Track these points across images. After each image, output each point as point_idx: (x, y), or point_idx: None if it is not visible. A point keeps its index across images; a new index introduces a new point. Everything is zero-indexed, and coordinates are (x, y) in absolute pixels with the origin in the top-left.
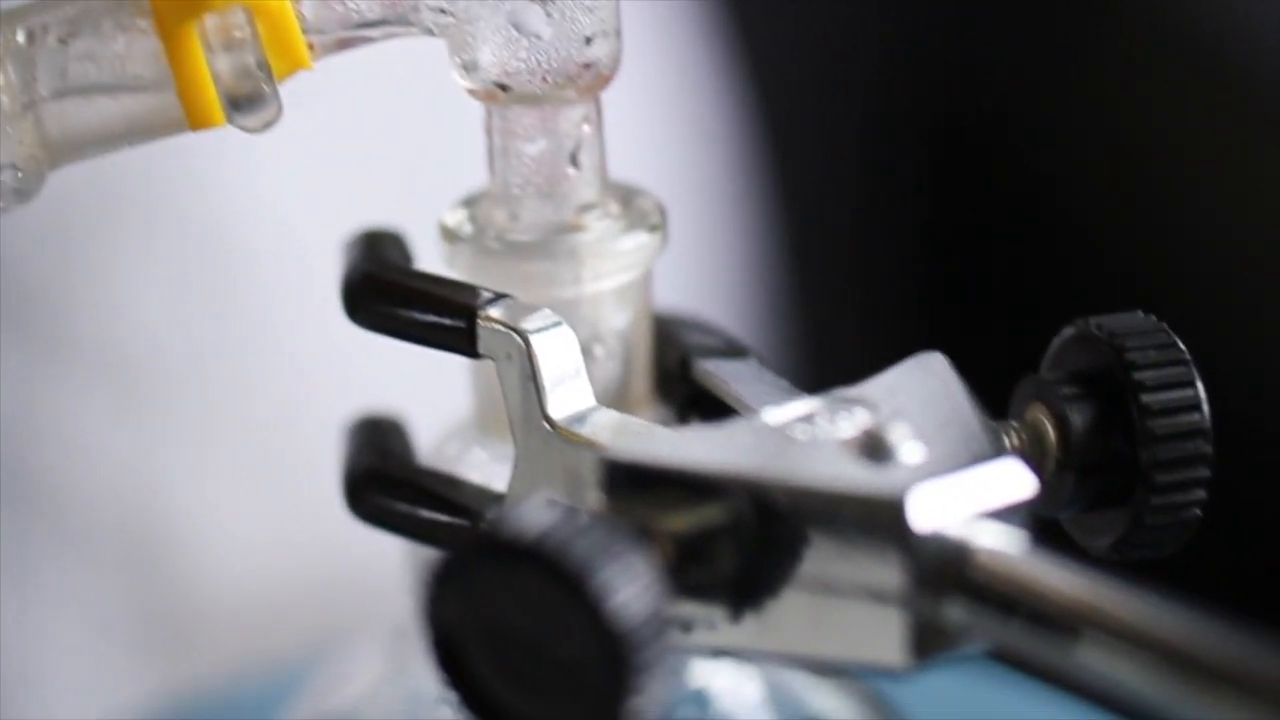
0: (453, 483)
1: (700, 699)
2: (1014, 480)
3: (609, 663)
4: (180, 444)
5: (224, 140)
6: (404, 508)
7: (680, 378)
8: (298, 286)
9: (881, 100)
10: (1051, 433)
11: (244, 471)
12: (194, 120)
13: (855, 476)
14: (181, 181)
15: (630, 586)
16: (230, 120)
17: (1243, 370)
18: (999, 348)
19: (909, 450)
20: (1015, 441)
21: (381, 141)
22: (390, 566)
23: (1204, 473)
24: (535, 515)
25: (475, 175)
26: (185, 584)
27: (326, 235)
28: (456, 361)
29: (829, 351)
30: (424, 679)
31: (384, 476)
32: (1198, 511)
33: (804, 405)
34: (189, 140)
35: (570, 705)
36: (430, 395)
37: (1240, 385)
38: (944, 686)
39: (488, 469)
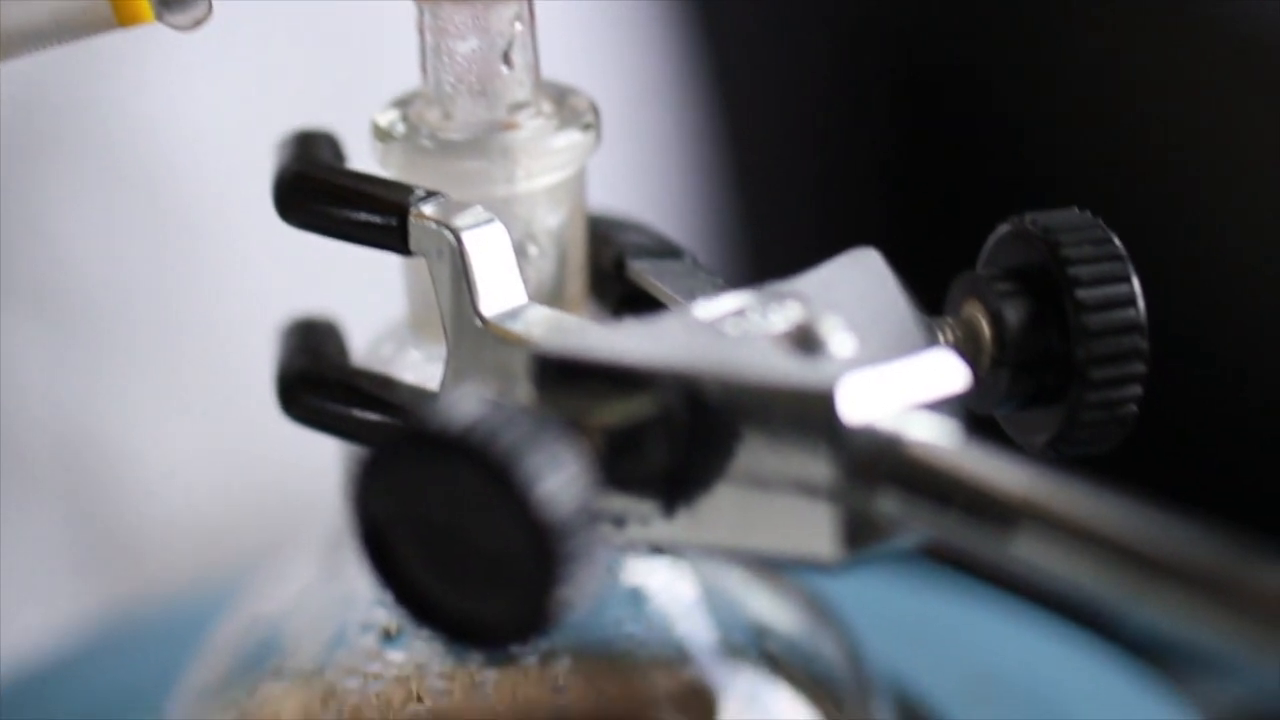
0: (386, 382)
1: (635, 598)
2: (946, 371)
3: (536, 552)
4: (114, 369)
5: (149, 63)
6: (337, 408)
7: (615, 277)
8: (228, 209)
9: None
10: (986, 329)
11: (178, 394)
12: (121, 16)
13: (786, 368)
14: (109, 111)
15: (557, 476)
16: (159, 17)
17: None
18: (943, 251)
19: (840, 343)
20: (950, 338)
21: (312, 48)
22: (330, 483)
23: (1139, 368)
24: (462, 406)
25: (408, 79)
26: (123, 507)
27: (257, 158)
28: (391, 283)
29: (769, 255)
30: (358, 582)
31: (317, 377)
32: (1134, 408)
33: (735, 300)
34: (116, 68)
35: (499, 597)
36: (365, 320)
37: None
38: (887, 596)
39: (423, 369)
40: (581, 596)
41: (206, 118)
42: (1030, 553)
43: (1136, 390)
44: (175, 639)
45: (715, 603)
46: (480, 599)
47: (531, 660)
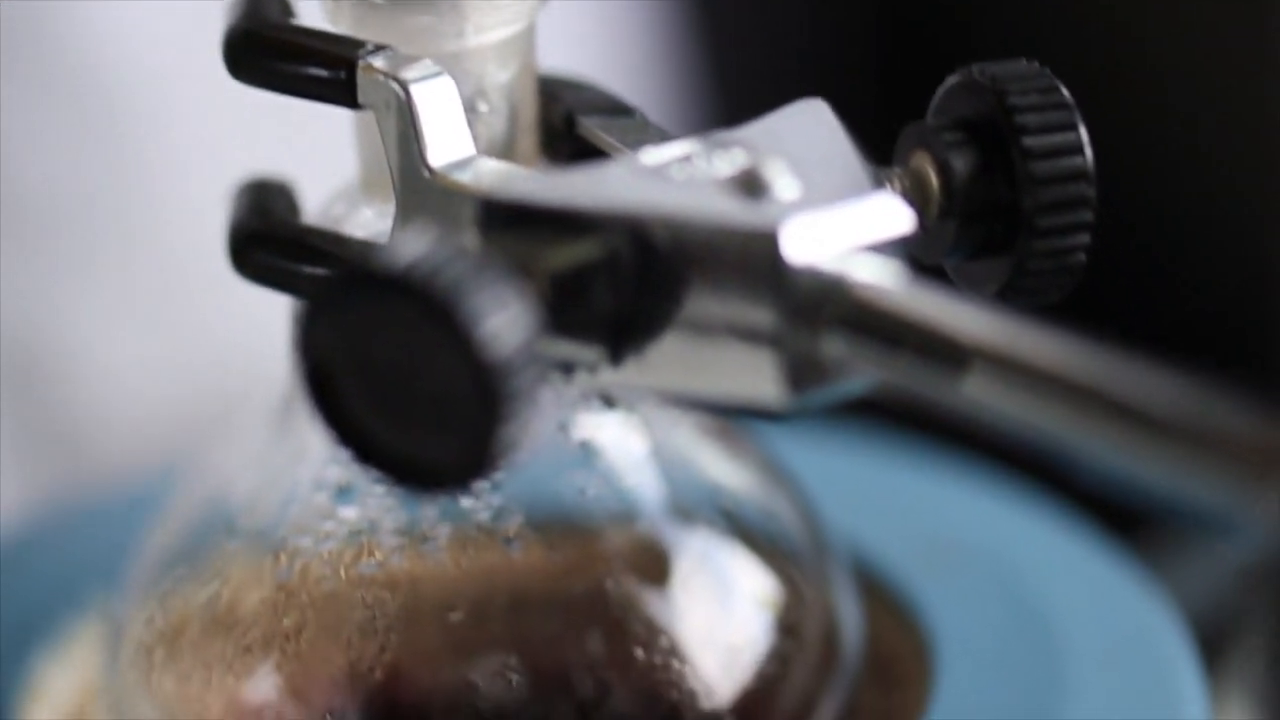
0: (337, 239)
1: (586, 454)
2: (891, 215)
3: (479, 392)
4: (67, 274)
5: None
6: (288, 264)
7: (565, 135)
8: (173, 112)
9: None
10: (934, 179)
11: (127, 297)
12: None
13: (730, 211)
14: (53, 17)
15: (500, 314)
16: None
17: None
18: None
19: (785, 187)
20: (898, 188)
21: None
22: (271, 371)
23: (1087, 216)
24: (407, 247)
25: None
26: (75, 410)
27: (205, 62)
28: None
29: (726, 114)
30: (310, 440)
31: (268, 234)
32: (1081, 257)
33: (681, 147)
34: None
35: (442, 437)
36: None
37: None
38: (844, 464)
39: (374, 226)
40: (524, 437)
41: (154, 22)
42: (981, 393)
43: (1084, 239)
44: (128, 518)
45: (668, 462)
46: (424, 440)
47: (483, 516)
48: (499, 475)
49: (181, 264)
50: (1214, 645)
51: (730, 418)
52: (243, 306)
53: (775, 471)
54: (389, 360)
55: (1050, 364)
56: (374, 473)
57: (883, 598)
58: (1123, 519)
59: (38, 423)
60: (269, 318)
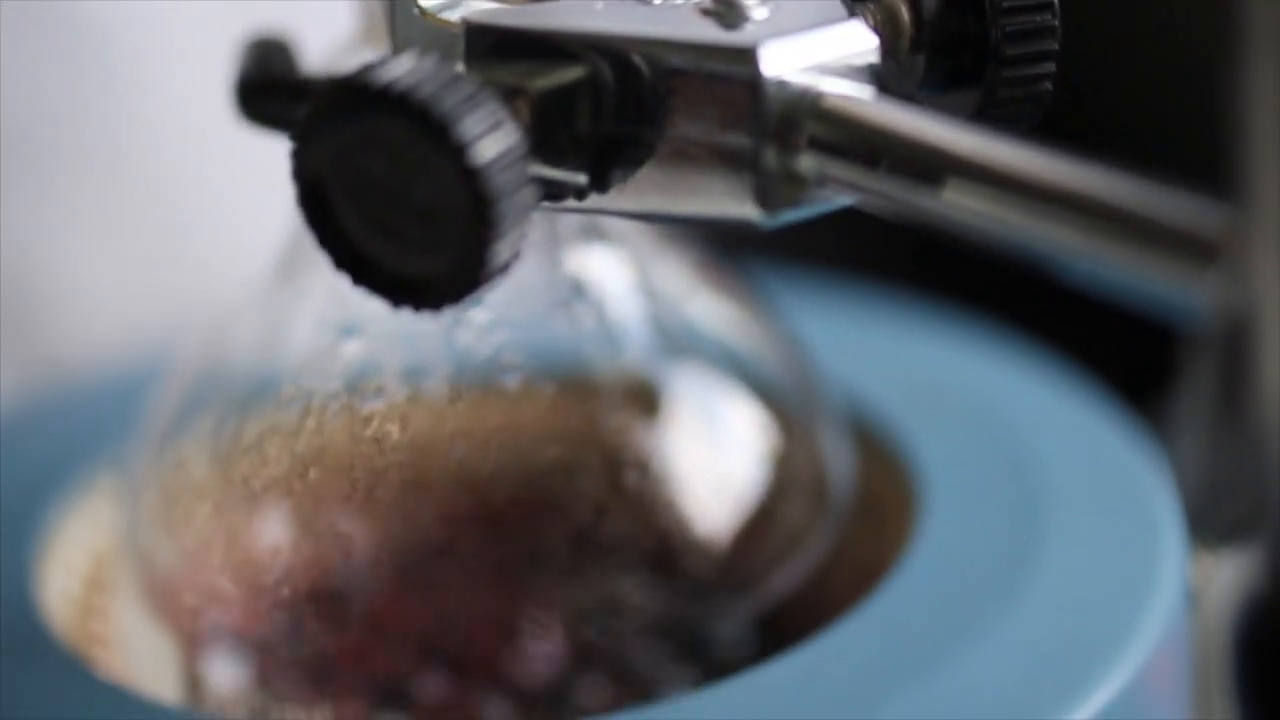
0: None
1: (576, 287)
2: (862, 40)
3: (470, 206)
4: (51, 199)
5: None
6: (291, 108)
7: None
8: (165, 36)
9: None
10: (905, 12)
11: (115, 223)
12: None
13: (708, 33)
14: None
15: (492, 132)
16: None
17: None
18: None
19: (761, 14)
20: (870, 22)
21: None
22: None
23: (1052, 45)
24: (399, 65)
25: None
26: (54, 343)
27: None
28: None
29: None
30: (312, 281)
31: (271, 81)
32: (1048, 85)
33: None
34: None
35: (433, 254)
36: None
37: None
38: (837, 314)
39: None
40: (514, 253)
41: None
42: (957, 200)
43: (1050, 67)
44: (140, 384)
45: (659, 298)
46: (417, 257)
47: (481, 352)
48: (489, 295)
49: (167, 189)
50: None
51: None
52: (228, 231)
53: (766, 311)
54: (382, 179)
55: (1021, 168)
56: (371, 293)
57: (872, 440)
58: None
59: (21, 347)
60: (253, 244)
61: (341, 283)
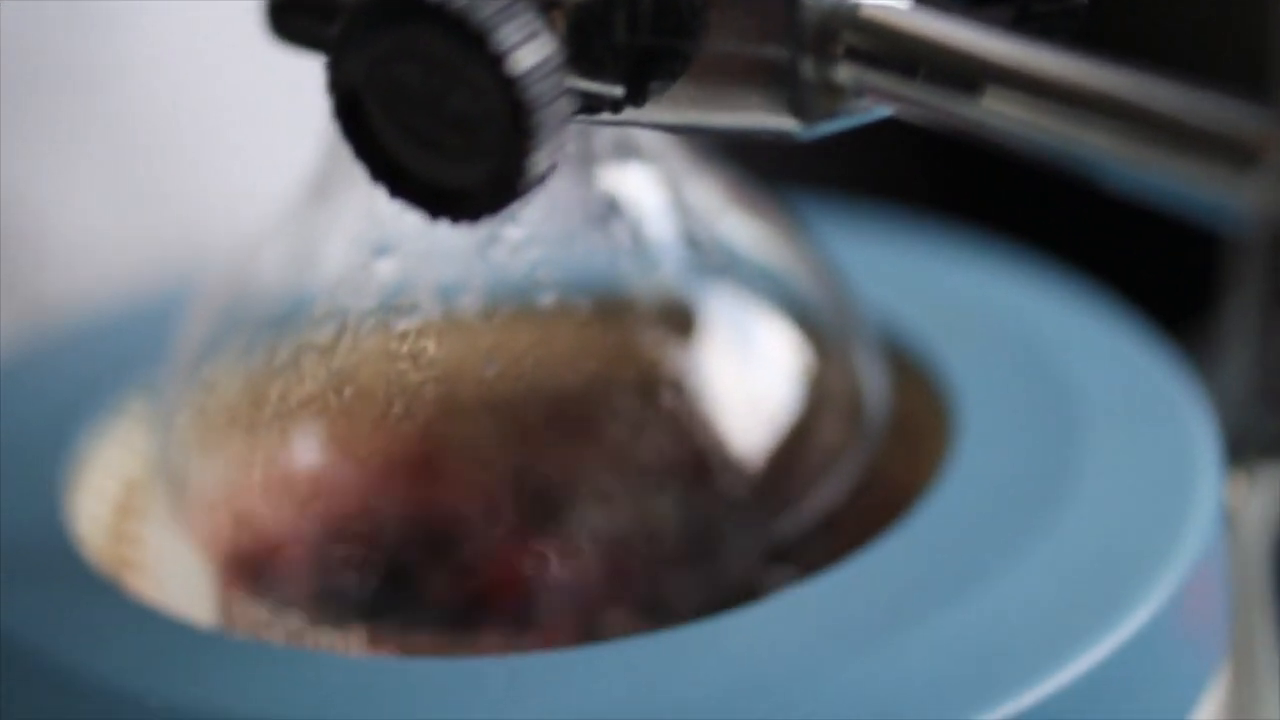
0: None
1: (610, 204)
2: None
3: (507, 115)
4: (35, 140)
5: None
6: (324, 26)
7: None
8: None
9: None
10: None
11: (99, 160)
12: None
13: None
14: None
15: (529, 42)
16: None
17: None
18: None
19: None
20: None
21: None
22: (241, 227)
23: None
24: None
25: None
26: (44, 276)
27: None
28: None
29: None
30: (346, 197)
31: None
32: None
33: None
34: None
35: (470, 164)
36: None
37: None
38: (873, 241)
39: None
40: (550, 163)
41: None
42: (997, 109)
43: None
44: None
45: (694, 218)
46: (453, 167)
47: (515, 271)
48: (523, 211)
49: (154, 134)
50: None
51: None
52: (214, 174)
53: (800, 232)
54: (418, 89)
55: (1060, 73)
56: (407, 204)
57: (905, 362)
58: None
59: (19, 286)
60: (239, 188)
61: (376, 200)
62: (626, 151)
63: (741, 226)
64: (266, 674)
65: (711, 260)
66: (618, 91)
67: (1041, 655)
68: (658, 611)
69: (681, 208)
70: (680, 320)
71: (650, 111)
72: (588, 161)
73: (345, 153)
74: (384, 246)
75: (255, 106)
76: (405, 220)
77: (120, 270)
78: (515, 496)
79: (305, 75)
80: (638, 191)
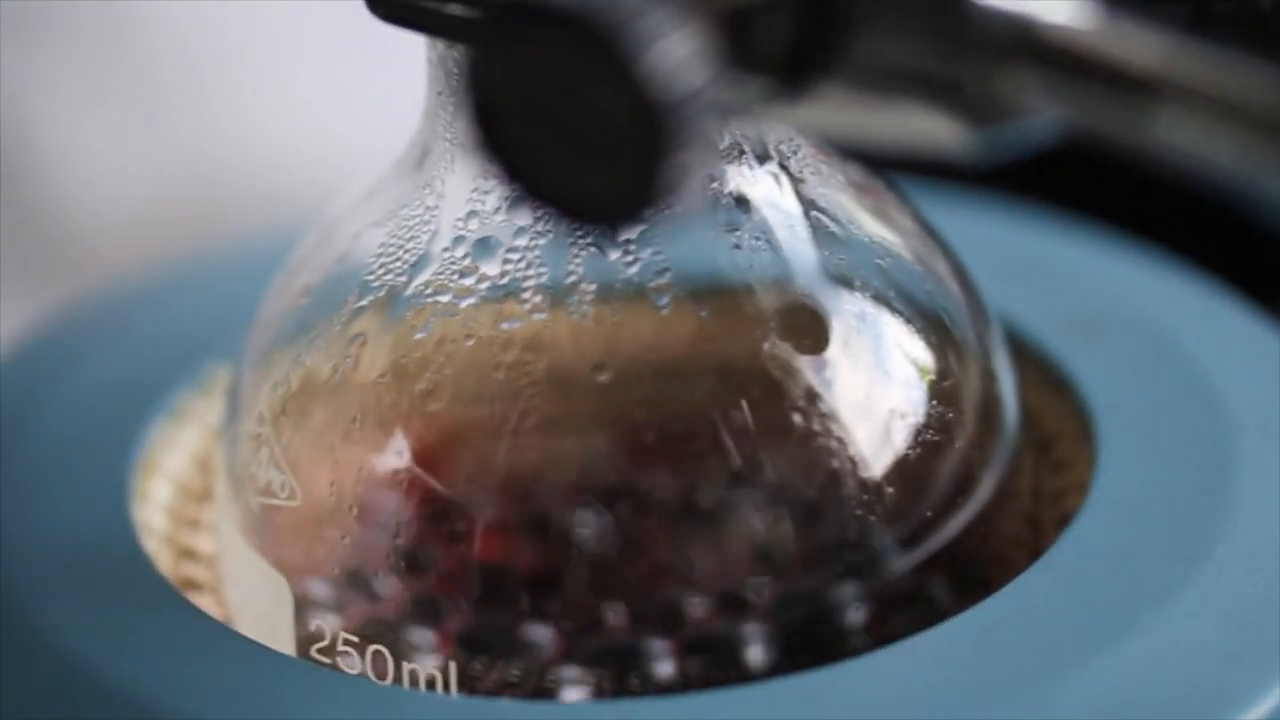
0: None
1: (742, 204)
2: None
3: (652, 124)
4: (53, 79)
5: None
6: (428, 3)
7: None
8: None
9: None
10: None
11: (109, 93)
12: None
13: None
14: None
15: (668, 47)
16: None
17: None
18: None
19: None
20: None
21: None
22: (263, 169)
23: None
24: None
25: None
26: (62, 208)
27: None
28: None
29: None
30: (449, 188)
31: None
32: None
33: None
34: None
35: (608, 170)
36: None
37: None
38: (995, 234)
39: None
40: (692, 172)
41: None
42: (1171, 127)
43: None
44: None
45: (823, 220)
46: (590, 173)
47: (631, 272)
48: (651, 219)
49: (168, 74)
50: None
51: (905, 161)
52: (228, 115)
53: (930, 233)
54: (558, 95)
55: (1242, 93)
56: (538, 208)
57: (1038, 371)
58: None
59: (24, 227)
60: (248, 128)
61: (484, 194)
62: (754, 148)
63: (872, 226)
64: (342, 706)
65: (841, 262)
66: (771, 91)
67: (1206, 707)
68: (785, 641)
69: (807, 201)
70: (809, 326)
71: (805, 113)
72: (714, 158)
73: (444, 135)
74: (487, 241)
75: (274, 54)
76: (513, 212)
77: (141, 214)
78: (626, 514)
79: (322, 23)
80: (761, 187)
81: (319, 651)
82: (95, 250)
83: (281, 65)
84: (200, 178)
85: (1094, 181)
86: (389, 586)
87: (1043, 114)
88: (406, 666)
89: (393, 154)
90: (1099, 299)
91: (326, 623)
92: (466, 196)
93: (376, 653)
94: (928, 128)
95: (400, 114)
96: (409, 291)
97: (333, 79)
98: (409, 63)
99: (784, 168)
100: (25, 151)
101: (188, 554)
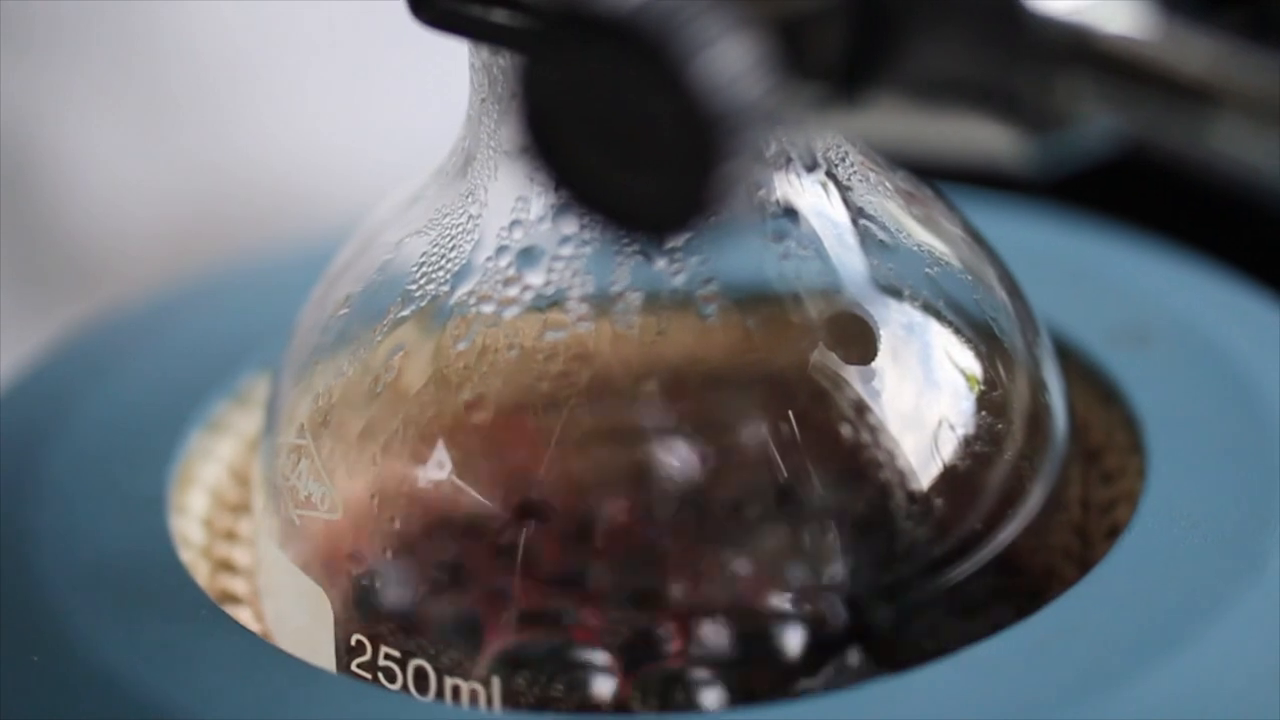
0: None
1: (790, 215)
2: None
3: (699, 133)
4: (65, 89)
5: None
6: (473, 9)
7: None
8: None
9: None
10: None
11: (121, 105)
12: None
13: None
14: None
15: (720, 58)
16: None
17: None
18: None
19: None
20: None
21: None
22: (276, 181)
23: None
24: None
25: None
26: (76, 222)
27: None
28: None
29: None
30: (493, 196)
31: None
32: None
33: None
34: None
35: (659, 179)
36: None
37: None
38: (1041, 240)
39: None
40: (740, 180)
41: None
42: (1230, 136)
43: None
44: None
45: (871, 229)
46: (639, 181)
47: (677, 281)
48: (698, 230)
49: (182, 86)
50: None
51: (958, 177)
52: (239, 125)
53: (978, 241)
54: (608, 103)
55: None
56: (586, 215)
57: (1087, 381)
58: None
59: (36, 239)
60: (261, 141)
61: (528, 203)
62: (802, 156)
63: (919, 232)
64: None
65: (888, 270)
66: (825, 99)
67: None
68: (832, 655)
69: (855, 211)
70: (858, 336)
71: (859, 122)
72: (762, 166)
73: (487, 142)
74: (531, 251)
75: (288, 66)
76: (558, 220)
77: (155, 228)
78: (669, 520)
79: (332, 28)
80: (809, 197)
81: (359, 666)
82: (109, 264)
83: (296, 78)
84: (214, 191)
85: (1150, 190)
86: (431, 600)
87: (1099, 122)
88: (449, 682)
89: (403, 167)
90: (1149, 308)
91: (367, 637)
92: (510, 205)
93: (418, 668)
94: (984, 137)
95: (407, 128)
96: (452, 301)
97: (346, 91)
98: (415, 75)
99: (832, 176)
100: (38, 165)
101: (225, 566)
